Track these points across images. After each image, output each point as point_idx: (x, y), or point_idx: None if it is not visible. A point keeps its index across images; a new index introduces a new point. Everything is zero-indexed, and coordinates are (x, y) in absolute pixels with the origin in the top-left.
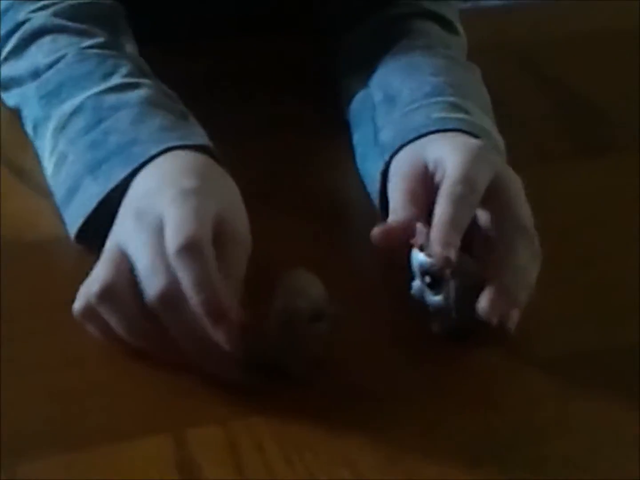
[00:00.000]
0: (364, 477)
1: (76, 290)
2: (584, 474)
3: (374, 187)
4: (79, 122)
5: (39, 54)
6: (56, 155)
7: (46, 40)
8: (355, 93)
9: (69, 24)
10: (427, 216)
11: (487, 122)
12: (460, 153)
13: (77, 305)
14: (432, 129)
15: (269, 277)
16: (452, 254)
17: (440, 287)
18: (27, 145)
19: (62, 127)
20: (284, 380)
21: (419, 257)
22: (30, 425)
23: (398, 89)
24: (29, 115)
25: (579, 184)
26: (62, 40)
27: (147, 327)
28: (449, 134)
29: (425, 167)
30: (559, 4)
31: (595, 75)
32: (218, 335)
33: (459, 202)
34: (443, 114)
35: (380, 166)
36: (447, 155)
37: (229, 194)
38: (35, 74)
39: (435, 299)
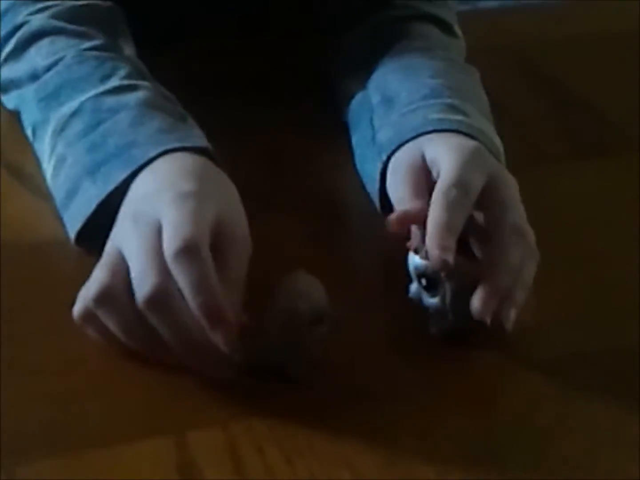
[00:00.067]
0: (363, 478)
1: (76, 292)
2: (584, 474)
3: (373, 188)
4: (78, 125)
5: (37, 56)
6: (55, 158)
7: (45, 42)
8: (353, 95)
9: (68, 26)
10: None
11: (486, 124)
12: (454, 154)
13: (76, 308)
14: (430, 128)
15: (269, 279)
16: (450, 258)
17: (436, 289)
18: (26, 148)
19: (61, 130)
20: (284, 382)
21: (414, 260)
22: (30, 427)
23: (396, 90)
24: (28, 117)
25: (578, 185)
26: (61, 42)
27: (144, 330)
28: (446, 135)
29: (424, 163)
30: (556, 6)
31: (593, 76)
32: (216, 338)
33: (453, 205)
34: (441, 115)
35: (379, 166)
36: (442, 156)
37: (228, 196)
38: (34, 76)
39: (432, 301)
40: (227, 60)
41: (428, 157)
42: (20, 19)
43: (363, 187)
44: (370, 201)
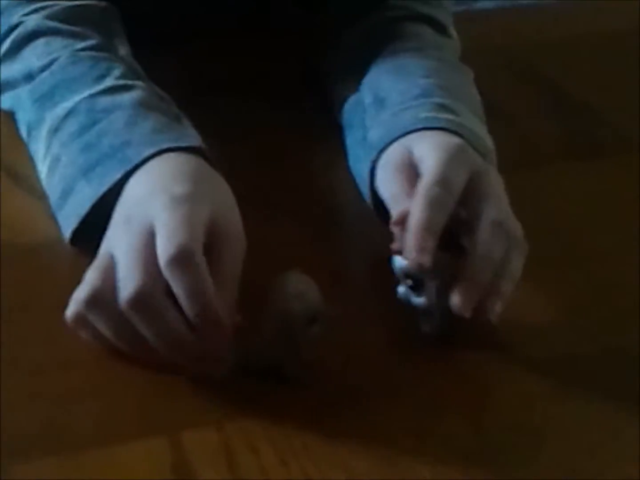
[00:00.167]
0: (358, 479)
1: (72, 293)
2: (582, 474)
3: (365, 188)
4: (73, 125)
5: (32, 56)
6: (50, 158)
7: (39, 43)
8: (347, 97)
9: (62, 26)
10: None
11: (476, 124)
12: (438, 152)
13: (69, 311)
14: (419, 127)
15: (264, 280)
16: (426, 260)
17: (422, 288)
18: (23, 148)
19: (55, 130)
20: (279, 382)
21: (398, 261)
22: (27, 427)
23: (388, 91)
24: (23, 118)
25: (576, 186)
26: (56, 42)
27: (132, 332)
28: (431, 132)
29: (413, 160)
30: (552, 6)
31: (592, 76)
32: (211, 342)
33: (434, 204)
34: (431, 114)
35: (369, 164)
36: (426, 153)
37: (222, 197)
38: (29, 77)
39: (419, 300)
40: (227, 60)
41: (415, 155)
42: (15, 19)
43: (358, 188)
44: (365, 201)
